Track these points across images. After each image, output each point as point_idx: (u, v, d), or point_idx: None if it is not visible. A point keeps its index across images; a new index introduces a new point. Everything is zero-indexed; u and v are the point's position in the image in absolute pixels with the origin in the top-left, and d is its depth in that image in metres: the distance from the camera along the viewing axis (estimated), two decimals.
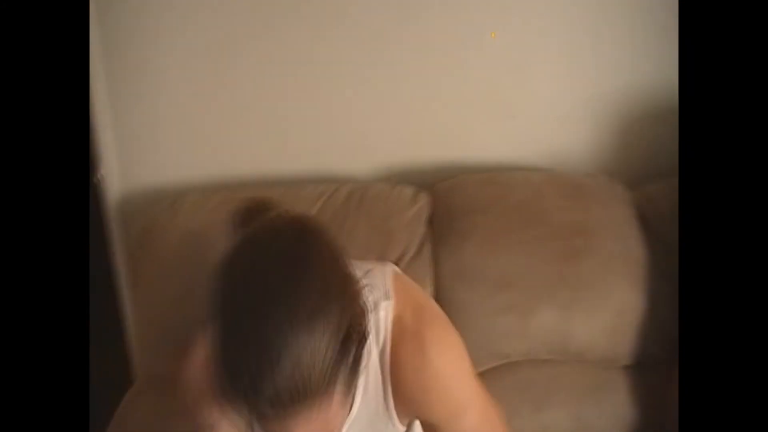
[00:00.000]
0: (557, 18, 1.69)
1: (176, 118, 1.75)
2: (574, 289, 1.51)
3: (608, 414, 1.53)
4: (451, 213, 1.57)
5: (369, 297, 0.88)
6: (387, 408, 1.03)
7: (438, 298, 1.51)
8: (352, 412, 1.00)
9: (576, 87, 1.75)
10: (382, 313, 1.03)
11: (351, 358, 0.80)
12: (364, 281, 0.87)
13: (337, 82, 1.70)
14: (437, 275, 1.54)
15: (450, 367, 1.05)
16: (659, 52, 1.72)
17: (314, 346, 0.75)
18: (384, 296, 1.05)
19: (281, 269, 0.79)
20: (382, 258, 1.51)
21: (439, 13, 1.66)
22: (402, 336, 1.02)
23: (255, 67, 1.69)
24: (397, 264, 1.48)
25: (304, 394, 0.75)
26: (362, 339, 0.82)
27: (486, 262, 1.51)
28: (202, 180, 1.77)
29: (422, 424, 1.10)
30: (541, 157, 1.77)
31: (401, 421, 1.06)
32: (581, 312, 1.51)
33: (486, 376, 1.52)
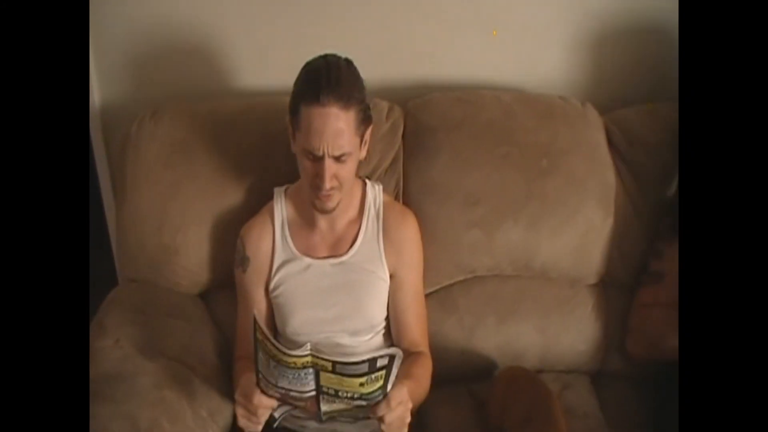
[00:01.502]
0: None
1: (155, 29, 1.75)
2: (540, 208, 1.54)
3: (571, 329, 1.59)
4: (422, 129, 1.58)
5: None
6: (379, 249, 1.44)
7: None
8: (356, 243, 1.44)
9: (553, 8, 1.74)
10: (377, 188, 1.49)
11: (363, 114, 1.32)
12: None
13: None
14: (407, 190, 1.57)
15: (415, 236, 1.49)
16: None
17: (355, 85, 1.31)
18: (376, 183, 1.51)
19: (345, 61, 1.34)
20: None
21: None
22: (390, 206, 1.48)
23: None
24: (369, 176, 1.54)
25: (340, 96, 1.26)
26: (370, 118, 1.36)
27: (454, 179, 1.53)
28: (180, 91, 1.78)
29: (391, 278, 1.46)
30: (515, 78, 1.77)
31: (388, 266, 1.44)
32: (546, 230, 1.55)
33: (453, 289, 1.58)
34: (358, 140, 1.33)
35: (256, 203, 1.50)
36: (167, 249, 1.55)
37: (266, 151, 1.55)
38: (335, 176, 1.31)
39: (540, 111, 1.63)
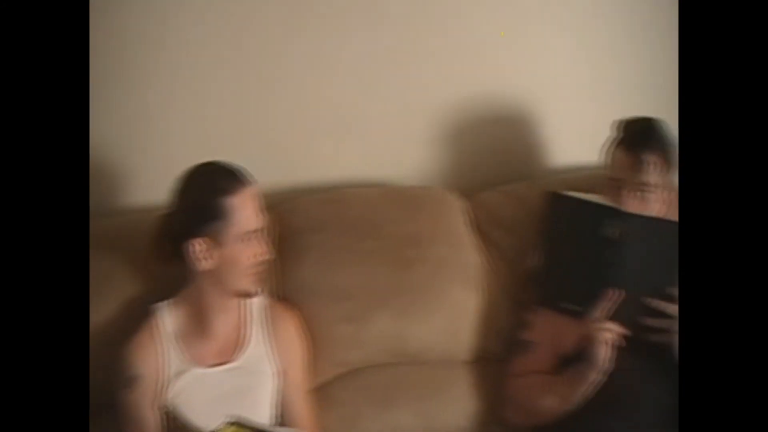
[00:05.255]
0: (386, 37, 1.81)
1: None
2: (408, 296, 1.63)
3: (451, 408, 1.65)
4: (291, 232, 1.67)
5: None
6: (269, 350, 1.51)
7: None
8: (245, 345, 1.50)
9: (411, 104, 1.87)
10: (260, 298, 1.54)
11: None
12: None
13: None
14: (281, 291, 1.63)
15: (301, 333, 1.57)
16: (485, 61, 1.87)
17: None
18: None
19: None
20: None
21: (272, 37, 1.77)
22: (273, 306, 1.56)
23: None
24: None
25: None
26: None
27: (323, 277, 1.62)
28: None
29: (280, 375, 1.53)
30: (381, 173, 1.88)
31: (277, 365, 1.51)
32: (416, 317, 1.63)
33: (330, 385, 1.63)
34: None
35: (125, 323, 1.53)
36: None
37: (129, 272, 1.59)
38: None
39: (404, 203, 1.74)
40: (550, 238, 1.64)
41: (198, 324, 1.50)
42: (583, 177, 1.86)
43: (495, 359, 1.70)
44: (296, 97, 1.81)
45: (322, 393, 1.62)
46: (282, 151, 1.84)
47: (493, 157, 1.93)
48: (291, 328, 1.55)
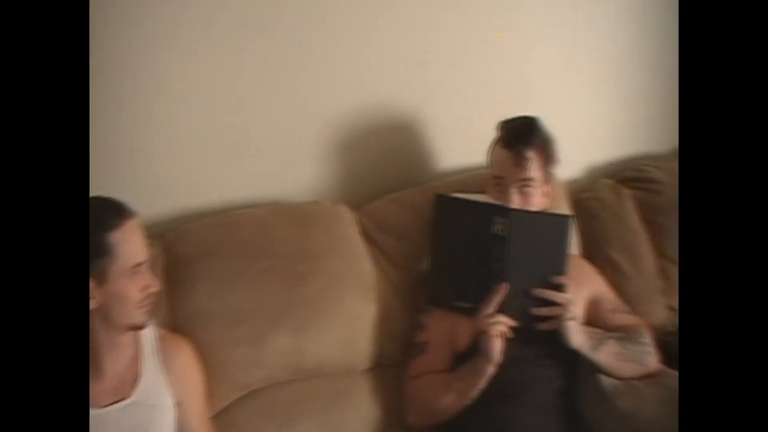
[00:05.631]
0: (269, 55, 1.81)
1: None
2: (304, 311, 1.65)
3: (353, 417, 1.69)
4: (181, 260, 1.66)
5: None
6: (163, 382, 1.49)
7: None
8: (139, 380, 1.48)
9: (297, 121, 1.88)
10: (152, 330, 1.53)
11: None
12: None
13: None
14: (174, 321, 1.62)
15: (195, 362, 1.57)
16: (368, 72, 1.91)
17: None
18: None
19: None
20: None
21: (150, 58, 1.72)
22: (166, 338, 1.55)
23: None
24: None
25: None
26: None
27: (217, 302, 1.62)
28: None
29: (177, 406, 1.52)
30: (271, 192, 1.88)
31: (173, 396, 1.49)
32: (313, 331, 1.65)
33: (231, 408, 1.63)
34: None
35: None
36: None
37: None
38: None
39: (294, 219, 1.76)
40: (439, 240, 1.69)
41: (90, 364, 1.47)
42: (469, 178, 1.92)
43: (393, 364, 1.74)
44: (177, 120, 1.78)
45: (224, 418, 1.62)
46: (166, 178, 1.80)
47: (382, 167, 1.97)
48: (184, 358, 1.55)
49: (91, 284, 1.37)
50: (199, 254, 1.65)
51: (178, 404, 1.50)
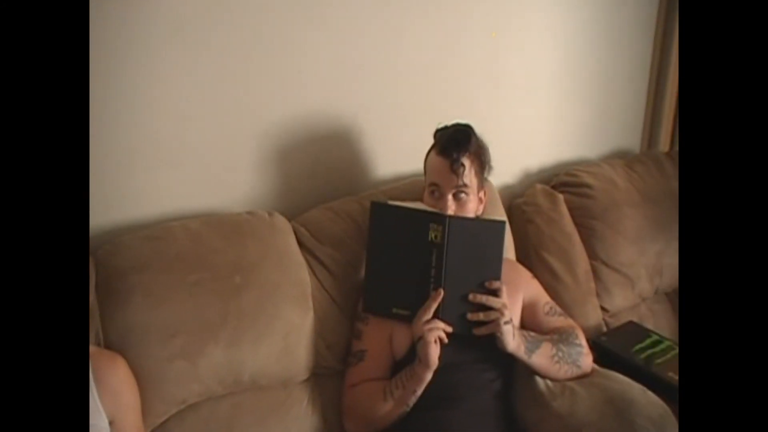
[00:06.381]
0: (202, 63, 1.79)
1: None
2: (239, 323, 1.63)
3: (293, 428, 1.68)
4: (113, 275, 1.62)
5: None
6: (95, 399, 1.43)
7: None
8: None
9: (232, 131, 1.86)
10: None
11: None
12: None
13: None
14: (107, 337, 1.58)
15: (129, 378, 1.53)
16: (302, 82, 1.90)
17: None
18: None
19: None
20: None
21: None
22: (97, 354, 1.49)
23: None
24: None
25: None
26: None
27: (151, 316, 1.58)
28: None
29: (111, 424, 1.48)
30: (205, 203, 1.86)
31: (106, 414, 1.45)
32: (248, 343, 1.63)
33: (167, 425, 1.60)
34: None
35: None
36: None
37: None
38: None
39: (228, 230, 1.74)
40: (376, 248, 1.69)
41: None
42: (406, 186, 1.94)
43: (331, 374, 1.74)
44: (108, 130, 1.73)
45: None
46: (98, 190, 1.73)
47: (318, 176, 1.97)
48: (117, 375, 1.51)
49: None
50: (132, 268, 1.62)
51: (112, 423, 1.46)
